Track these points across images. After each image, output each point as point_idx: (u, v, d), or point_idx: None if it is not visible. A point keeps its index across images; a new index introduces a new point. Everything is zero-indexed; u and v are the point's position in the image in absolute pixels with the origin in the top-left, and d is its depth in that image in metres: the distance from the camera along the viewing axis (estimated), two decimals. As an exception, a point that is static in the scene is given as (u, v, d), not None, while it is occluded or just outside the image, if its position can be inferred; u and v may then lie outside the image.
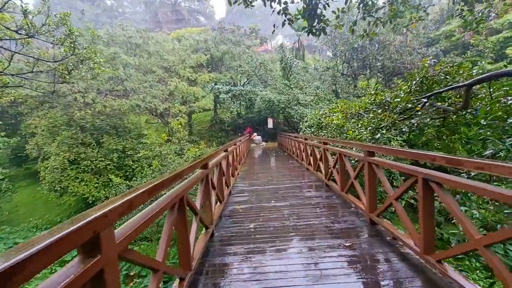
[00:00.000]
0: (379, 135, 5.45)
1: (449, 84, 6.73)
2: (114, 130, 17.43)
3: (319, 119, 9.23)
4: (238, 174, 8.95)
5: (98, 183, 15.54)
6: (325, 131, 9.31)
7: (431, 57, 16.20)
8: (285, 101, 15.54)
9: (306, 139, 8.99)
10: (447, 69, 6.75)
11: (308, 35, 5.74)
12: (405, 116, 6.11)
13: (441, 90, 5.74)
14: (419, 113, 5.93)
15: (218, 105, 28.06)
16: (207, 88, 18.07)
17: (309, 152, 8.54)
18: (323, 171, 6.60)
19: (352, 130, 6.25)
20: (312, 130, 9.72)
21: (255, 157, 15.22)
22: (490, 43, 12.67)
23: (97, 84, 13.62)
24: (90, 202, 14.85)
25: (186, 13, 44.82)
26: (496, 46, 12.76)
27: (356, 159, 5.03)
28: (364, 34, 6.12)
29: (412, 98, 5.80)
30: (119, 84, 14.01)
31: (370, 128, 5.68)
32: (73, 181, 15.00)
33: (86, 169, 15.31)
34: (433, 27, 17.67)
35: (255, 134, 22.33)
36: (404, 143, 6.67)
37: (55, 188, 14.94)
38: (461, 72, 6.55)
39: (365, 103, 7.72)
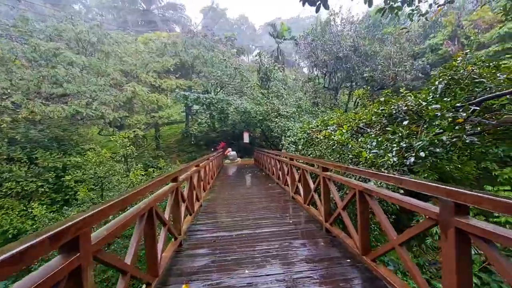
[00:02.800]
0: (412, 159, 3.48)
1: (487, 89, 5.08)
2: (56, 143, 14.23)
3: (308, 133, 7.26)
4: (200, 206, 6.58)
5: (26, 210, 12.13)
6: (313, 149, 7.33)
7: (417, 70, 15.44)
8: (264, 112, 13.56)
9: (291, 159, 6.91)
10: (478, 71, 5.14)
11: (303, 5, 3.79)
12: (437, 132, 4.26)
13: (499, 94, 4.00)
14: (457, 127, 4.09)
15: (190, 117, 25.55)
16: (174, 97, 15.64)
17: (296, 177, 6.44)
18: (321, 210, 4.49)
19: (366, 150, 4.26)
20: (299, 147, 7.72)
21: (227, 177, 12.86)
22: (478, 57, 11.88)
23: (27, 85, 10.68)
24: (10, 236, 11.40)
25: (159, 21, 42.29)
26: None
27: (424, 216, 2.95)
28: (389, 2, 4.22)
29: (457, 104, 3.99)
30: (58, 86, 11.17)
31: (396, 149, 3.70)
32: (-13, 210, 11.49)
33: (9, 192, 11.89)
34: (417, 40, 17.14)
35: (229, 149, 20.07)
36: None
37: (-39, 219, 11.33)
38: (498, 74, 4.94)
39: (370, 115, 5.87)
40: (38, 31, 13.08)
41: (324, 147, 6.77)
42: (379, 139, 4.10)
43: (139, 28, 36.62)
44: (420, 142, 3.53)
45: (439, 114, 3.75)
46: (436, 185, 1.84)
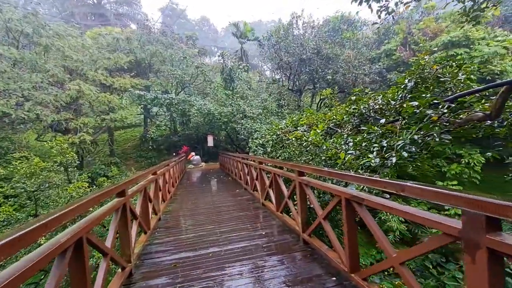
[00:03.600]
0: (394, 159, 3.21)
1: (447, 89, 5.17)
2: (-22, 151, 11.84)
3: (278, 135, 6.86)
4: (159, 219, 5.73)
5: None
6: (283, 151, 6.95)
7: (375, 73, 16.25)
8: (229, 114, 12.91)
9: (261, 162, 6.43)
10: (441, 70, 5.23)
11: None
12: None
13: (472, 91, 3.97)
14: (431, 125, 3.99)
15: (149, 120, 23.74)
16: (127, 96, 14.10)
17: (266, 182, 5.96)
18: (297, 220, 4.04)
19: (341, 151, 3.94)
20: (268, 149, 7.27)
21: (191, 184, 11.94)
22: (442, 57, 12.75)
23: None
24: None
25: (112, 17, 38.88)
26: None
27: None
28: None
29: (435, 101, 3.86)
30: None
31: (376, 149, 3.42)
32: None
33: None
34: (373, 45, 18.15)
35: (192, 153, 19.00)
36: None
37: None
38: (460, 75, 5.04)
39: (341, 114, 5.66)
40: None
41: (293, 149, 6.43)
42: (358, 139, 3.80)
43: (88, 23, 33.28)
44: (401, 141, 3.28)
45: (417, 111, 3.57)
46: (459, 194, 1.46)
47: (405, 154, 3.18)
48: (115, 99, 13.05)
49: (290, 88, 18.60)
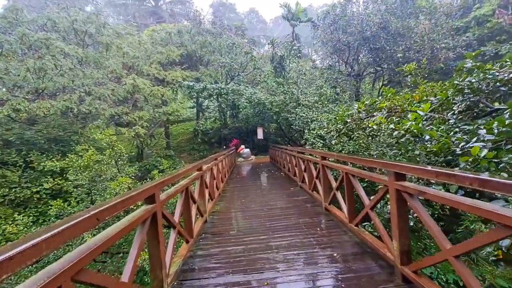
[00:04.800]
0: None
1: None
2: (54, 144, 13.19)
3: (346, 123, 5.49)
4: (205, 222, 5.01)
5: (22, 219, 11.06)
6: (354, 143, 5.54)
7: (461, 47, 13.10)
8: (280, 103, 11.75)
9: (324, 158, 5.18)
10: None
11: None
12: None
13: None
14: None
15: (200, 113, 24.21)
16: (180, 89, 14.11)
17: (333, 183, 4.70)
18: (390, 244, 2.75)
19: (454, 143, 2.50)
20: (333, 142, 5.93)
21: (241, 178, 11.29)
22: None
23: (14, 80, 9.52)
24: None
25: (167, 16, 41.14)
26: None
27: None
28: None
29: None
30: (48, 79, 9.94)
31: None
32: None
33: (1, 200, 10.82)
34: (457, 13, 14.71)
35: (242, 146, 18.53)
36: None
37: None
38: None
39: (444, 93, 4.05)
40: (29, 22, 11.96)
41: (361, 141, 5.00)
42: (507, 124, 2.31)
43: (146, 22, 35.67)
44: None
45: None
46: None
47: None
48: (168, 92, 13.13)
49: (347, 73, 16.48)
